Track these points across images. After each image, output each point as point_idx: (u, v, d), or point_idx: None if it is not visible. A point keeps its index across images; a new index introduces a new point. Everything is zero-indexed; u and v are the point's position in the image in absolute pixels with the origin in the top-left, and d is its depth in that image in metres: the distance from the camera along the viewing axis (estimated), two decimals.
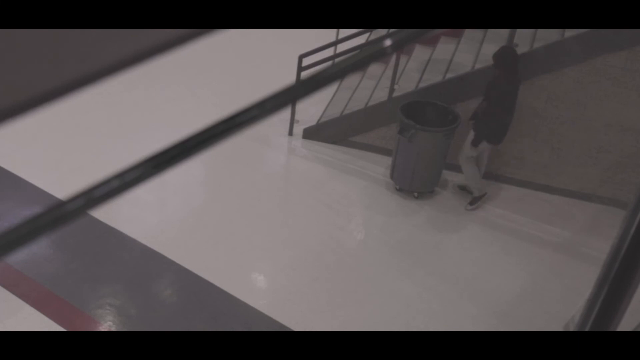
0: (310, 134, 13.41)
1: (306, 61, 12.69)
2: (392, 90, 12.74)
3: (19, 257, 10.38)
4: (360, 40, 13.90)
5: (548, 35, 11.81)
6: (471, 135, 11.36)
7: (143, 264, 10.56)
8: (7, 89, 1.04)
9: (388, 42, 1.41)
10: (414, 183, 12.15)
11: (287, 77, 12.02)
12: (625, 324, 2.94)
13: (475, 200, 11.93)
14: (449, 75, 12.58)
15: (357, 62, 1.42)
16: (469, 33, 13.74)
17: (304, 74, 12.72)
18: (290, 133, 13.44)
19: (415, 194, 12.22)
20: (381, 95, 13.10)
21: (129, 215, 11.24)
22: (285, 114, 13.07)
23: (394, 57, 13.02)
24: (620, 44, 11.04)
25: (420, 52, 14.03)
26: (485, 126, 11.23)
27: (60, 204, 1.15)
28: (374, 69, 14.35)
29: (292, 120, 13.52)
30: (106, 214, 11.16)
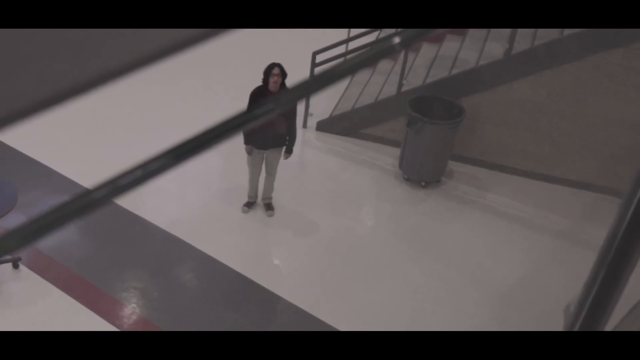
0: (323, 126, 13.41)
1: (319, 58, 12.71)
2: (400, 85, 12.74)
3: (48, 242, 10.41)
4: (371, 38, 13.89)
5: (548, 33, 11.79)
6: None
7: (165, 249, 10.57)
8: (36, 85, 1.05)
9: (397, 40, 1.41)
10: (422, 173, 12.15)
11: (301, 73, 12.05)
12: (621, 307, 2.94)
13: None
14: (454, 71, 12.56)
15: (367, 58, 1.42)
16: (473, 32, 13.72)
17: (318, 70, 12.73)
18: (305, 126, 13.45)
19: (423, 184, 12.22)
20: (390, 90, 13.10)
21: (151, 204, 11.26)
22: (299, 108, 13.09)
23: (402, 54, 13.02)
24: (617, 41, 11.03)
25: (427, 50, 14.02)
26: None
27: (87, 192, 1.15)
28: (384, 65, 14.34)
29: (306, 114, 13.55)
30: (130, 202, 11.19)
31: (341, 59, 11.94)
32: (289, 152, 10.83)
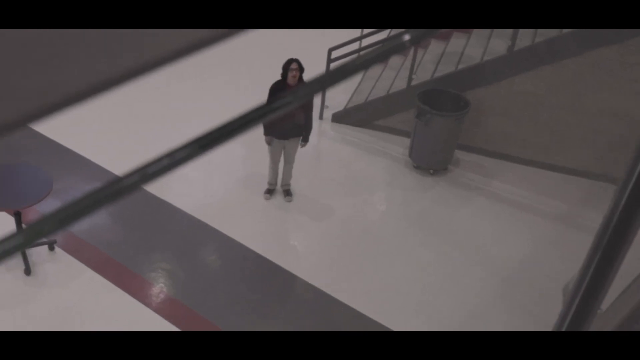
0: (339, 118, 13.41)
1: (335, 54, 12.70)
2: (410, 79, 12.73)
3: (81, 226, 10.45)
4: (382, 35, 13.88)
5: (548, 31, 11.77)
6: None
7: (190, 232, 10.59)
8: (71, 80, 1.05)
9: (407, 37, 1.41)
10: (430, 161, 12.14)
11: (317, 68, 12.04)
12: (615, 288, 2.93)
13: None
14: (460, 67, 12.56)
15: (379, 55, 1.42)
16: (478, 30, 13.69)
17: (333, 65, 12.72)
18: (321, 117, 13.44)
19: (431, 171, 12.22)
20: (401, 84, 13.09)
21: (178, 190, 11.28)
22: (316, 100, 13.10)
23: (412, 51, 13.01)
24: (613, 38, 11.02)
25: (435, 46, 13.99)
26: None
27: (118, 179, 1.15)
28: (395, 61, 14.33)
29: (322, 106, 13.56)
30: (158, 188, 11.21)
31: (355, 55, 11.93)
32: (305, 141, 10.84)
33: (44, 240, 9.83)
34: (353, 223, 11.03)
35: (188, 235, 10.57)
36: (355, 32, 13.41)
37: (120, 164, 11.49)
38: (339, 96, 13.73)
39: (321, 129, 13.21)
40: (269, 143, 10.83)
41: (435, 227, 11.09)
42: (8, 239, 1.07)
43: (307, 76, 10.48)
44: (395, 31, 14.71)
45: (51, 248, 10.11)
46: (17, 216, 9.50)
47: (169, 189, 11.28)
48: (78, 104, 1.08)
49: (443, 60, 13.23)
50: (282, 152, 11.01)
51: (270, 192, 11.42)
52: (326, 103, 13.63)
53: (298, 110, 10.22)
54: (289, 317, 9.41)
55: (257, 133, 10.77)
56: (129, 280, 9.75)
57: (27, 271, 9.71)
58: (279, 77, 10.35)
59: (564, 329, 3.06)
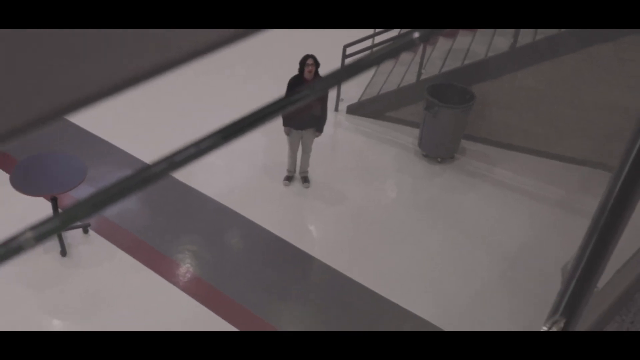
0: (353, 110, 13.40)
1: (349, 50, 12.71)
2: (419, 74, 12.72)
3: (114, 211, 10.48)
4: (393, 33, 13.86)
5: (548, 29, 11.74)
6: None
7: (215, 216, 10.61)
8: (105, 74, 1.05)
9: (416, 35, 1.41)
10: (438, 150, 12.13)
11: (333, 64, 12.02)
12: (610, 268, 2.93)
13: None
14: (466, 62, 12.53)
15: (391, 51, 1.42)
16: (482, 29, 13.66)
17: (348, 61, 12.70)
18: (336, 109, 13.43)
19: (439, 160, 12.20)
20: (411, 78, 13.07)
21: (203, 177, 11.29)
22: (332, 94, 13.09)
23: (421, 48, 12.98)
24: (609, 36, 11.02)
25: (442, 44, 13.95)
26: None
27: (147, 167, 1.16)
28: (405, 57, 14.30)
29: (338, 99, 13.55)
30: (185, 176, 11.24)
31: (368, 52, 11.91)
32: (319, 131, 10.84)
33: (79, 223, 9.86)
34: (366, 208, 11.03)
35: (212, 219, 10.59)
36: (368, 30, 13.38)
37: (149, 153, 11.51)
38: (353, 89, 13.71)
39: (336, 120, 13.20)
40: (287, 133, 10.84)
41: (443, 211, 11.08)
42: (45, 222, 1.08)
43: (322, 71, 10.47)
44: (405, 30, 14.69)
45: (85, 231, 10.15)
46: (54, 201, 9.54)
47: (195, 176, 11.29)
48: (111, 97, 1.08)
49: (450, 56, 13.20)
50: (300, 142, 11.02)
51: (289, 179, 11.43)
52: (341, 96, 13.63)
53: (315, 102, 10.22)
54: (306, 295, 9.42)
55: (276, 124, 10.76)
56: (158, 261, 9.78)
57: (63, 252, 9.75)
58: (296, 72, 10.35)
59: (562, 307, 3.06)
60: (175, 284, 9.42)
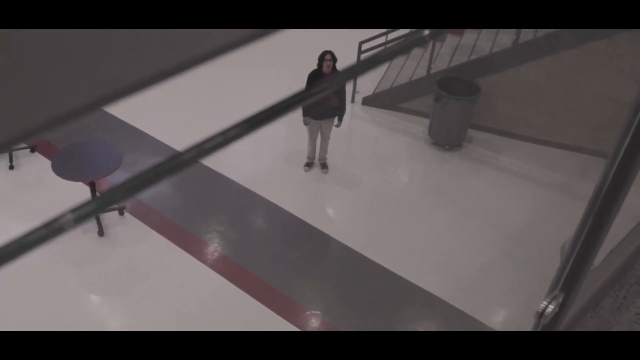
0: (368, 101, 13.39)
1: (364, 46, 12.69)
2: (429, 68, 12.68)
3: (147, 194, 10.51)
4: (405, 30, 13.82)
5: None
6: None
7: (240, 199, 10.63)
8: (142, 68, 1.06)
9: (426, 33, 1.41)
10: (446, 139, 12.10)
11: (349, 59, 12.00)
12: (605, 247, 2.92)
13: None
14: (472, 57, 12.49)
15: (403, 47, 1.42)
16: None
17: (363, 56, 12.68)
18: (353, 101, 13.42)
19: (447, 147, 12.18)
20: (421, 72, 13.04)
21: (230, 163, 11.31)
22: (348, 86, 13.08)
23: (431, 44, 12.96)
24: (603, 34, 10.99)
25: (450, 40, 13.91)
26: None
27: (179, 154, 1.16)
28: (416, 52, 14.27)
29: (354, 91, 13.54)
30: (213, 162, 11.26)
31: (382, 48, 11.89)
32: (339, 121, 10.83)
33: (115, 206, 9.90)
34: (380, 192, 11.03)
35: (239, 202, 10.61)
36: (382, 28, 13.35)
37: (180, 141, 11.53)
38: (368, 83, 13.69)
39: (353, 111, 13.18)
40: (306, 123, 10.84)
41: (451, 195, 11.06)
42: (84, 205, 1.08)
43: (339, 66, 10.46)
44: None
45: (121, 213, 10.19)
46: (92, 186, 9.58)
47: (222, 162, 11.31)
48: (146, 89, 1.09)
49: (457, 52, 13.16)
50: (319, 131, 11.02)
51: (309, 165, 11.43)
52: (357, 89, 13.62)
53: (332, 95, 10.21)
54: (324, 272, 9.43)
55: (297, 114, 10.76)
56: (188, 241, 9.81)
57: (101, 233, 9.80)
58: (315, 67, 10.33)
59: (561, 283, 3.05)
60: (205, 262, 9.45)
